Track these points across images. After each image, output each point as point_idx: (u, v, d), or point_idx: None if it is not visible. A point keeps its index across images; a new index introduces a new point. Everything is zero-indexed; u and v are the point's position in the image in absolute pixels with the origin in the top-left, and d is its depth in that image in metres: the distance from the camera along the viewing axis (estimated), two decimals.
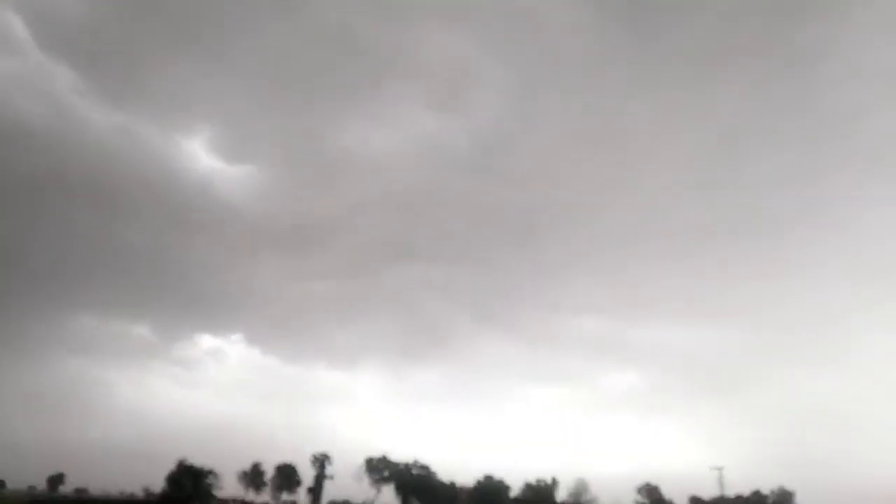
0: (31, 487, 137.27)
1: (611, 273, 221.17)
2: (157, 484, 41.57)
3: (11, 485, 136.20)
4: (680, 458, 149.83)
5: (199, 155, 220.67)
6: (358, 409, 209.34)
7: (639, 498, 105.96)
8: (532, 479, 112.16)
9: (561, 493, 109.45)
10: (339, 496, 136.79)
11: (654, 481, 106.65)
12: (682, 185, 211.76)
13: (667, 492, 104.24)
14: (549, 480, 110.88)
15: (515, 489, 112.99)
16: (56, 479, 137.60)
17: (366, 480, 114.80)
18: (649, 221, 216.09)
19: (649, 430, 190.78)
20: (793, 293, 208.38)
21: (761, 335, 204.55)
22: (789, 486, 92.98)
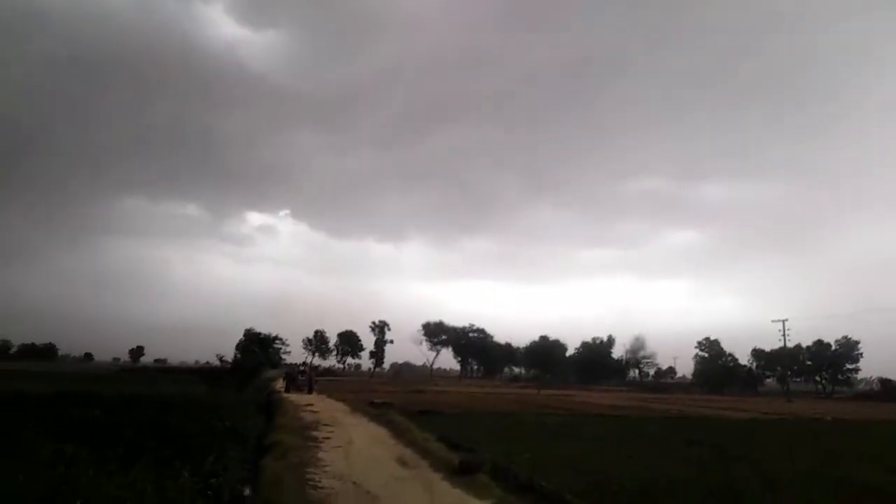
0: (116, 359, 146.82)
1: (668, 130, 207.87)
2: (229, 354, 40.60)
3: (98, 357, 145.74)
4: (741, 315, 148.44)
5: (221, 20, 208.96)
6: (409, 280, 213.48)
7: (699, 352, 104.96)
8: (588, 338, 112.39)
9: (617, 351, 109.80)
10: (400, 358, 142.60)
11: (714, 336, 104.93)
12: (741, 32, 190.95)
13: (728, 346, 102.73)
14: (604, 339, 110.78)
15: (571, 349, 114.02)
16: (137, 352, 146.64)
17: (424, 344, 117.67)
18: (707, 73, 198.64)
19: (709, 289, 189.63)
20: (862, 144, 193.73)
21: (827, 188, 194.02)
22: (854, 336, 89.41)
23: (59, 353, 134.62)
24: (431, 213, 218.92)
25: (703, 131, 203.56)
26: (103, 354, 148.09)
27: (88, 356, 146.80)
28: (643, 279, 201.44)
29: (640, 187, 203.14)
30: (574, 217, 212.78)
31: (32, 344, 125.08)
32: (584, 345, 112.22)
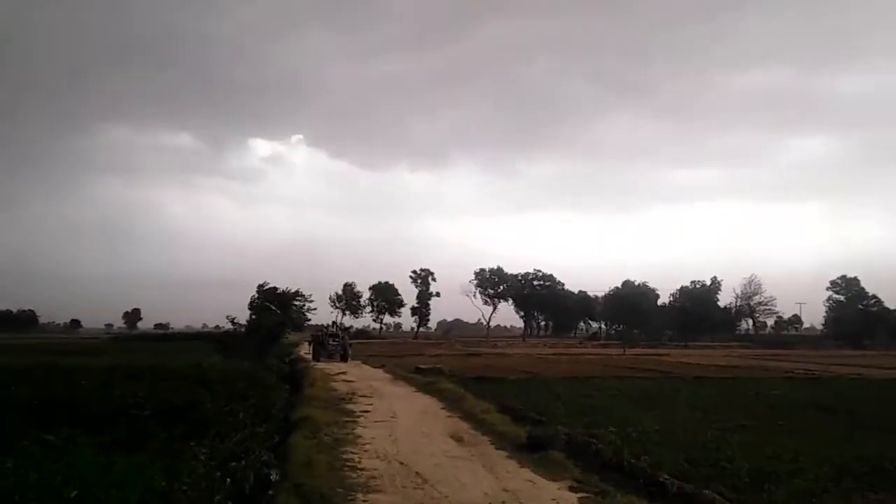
0: (108, 326, 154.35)
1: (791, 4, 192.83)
2: (242, 315, 41.90)
3: (87, 324, 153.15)
4: (888, 246, 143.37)
5: None
6: (455, 217, 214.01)
7: (832, 294, 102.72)
8: (686, 283, 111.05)
9: (725, 297, 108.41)
10: (449, 314, 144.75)
11: (852, 274, 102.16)
12: None
13: (871, 286, 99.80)
14: (707, 282, 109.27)
15: (664, 297, 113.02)
16: (133, 316, 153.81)
17: (477, 296, 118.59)
18: None
19: (846, 213, 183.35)
20: None
21: None
22: None
23: (41, 320, 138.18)
24: (480, 131, 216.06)
25: (842, 3, 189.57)
26: (93, 321, 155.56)
27: (75, 323, 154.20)
28: (756, 204, 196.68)
29: (752, 83, 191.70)
30: (664, 128, 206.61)
31: (8, 312, 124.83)
32: (682, 291, 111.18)
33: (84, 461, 7.43)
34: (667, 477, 8.43)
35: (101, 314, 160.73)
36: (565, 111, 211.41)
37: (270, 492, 8.15)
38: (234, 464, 8.39)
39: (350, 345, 38.52)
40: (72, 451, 8.03)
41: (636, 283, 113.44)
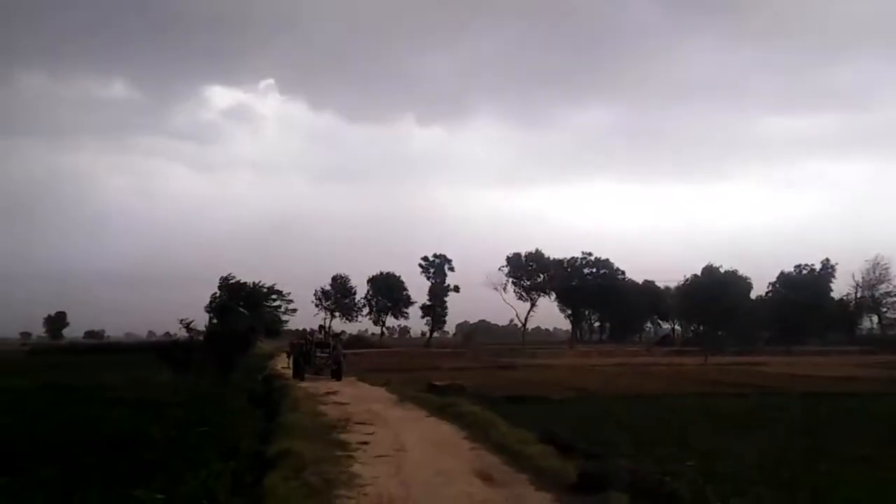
0: (25, 335, 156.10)
1: None
2: (200, 318, 42.09)
3: None
4: None
5: None
6: (476, 184, 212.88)
7: None
8: (788, 268, 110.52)
9: (841, 286, 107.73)
10: (472, 314, 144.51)
11: None
12: None
13: None
14: (816, 267, 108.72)
15: (760, 286, 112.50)
16: (57, 322, 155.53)
17: (509, 289, 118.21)
18: None
19: None
20: None
21: None
22: None
23: None
24: (508, 67, 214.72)
25: None
26: (4, 329, 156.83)
27: None
28: (885, 164, 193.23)
29: None
30: (761, 60, 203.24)
31: None
32: (782, 279, 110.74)
33: None
34: None
35: (14, 320, 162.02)
36: (619, 38, 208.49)
37: None
38: None
39: (344, 356, 38.45)
40: None
41: (721, 270, 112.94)
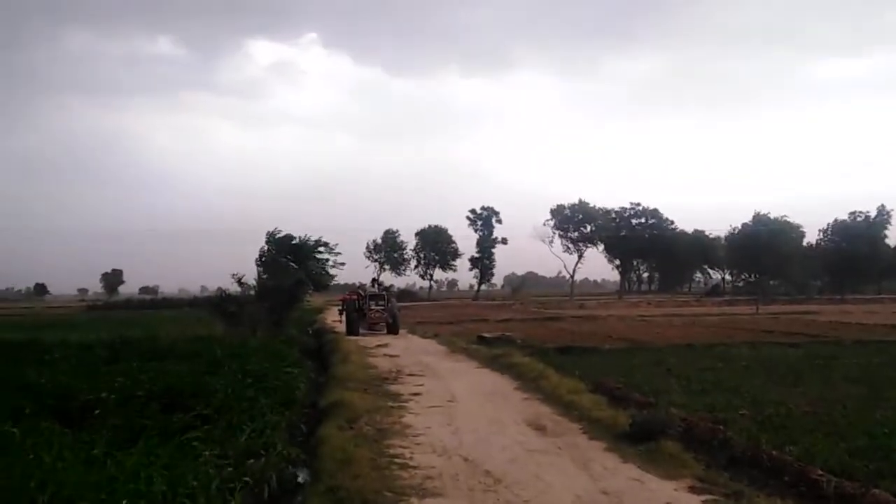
0: (82, 291, 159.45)
1: None
2: (250, 272, 42.49)
3: (55, 290, 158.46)
4: None
5: None
6: (524, 136, 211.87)
7: None
8: (841, 215, 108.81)
9: None
10: (520, 266, 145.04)
11: None
12: None
13: None
14: (871, 214, 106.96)
15: (812, 234, 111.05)
16: (113, 279, 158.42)
17: (556, 241, 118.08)
18: None
19: None
20: None
21: None
22: None
23: None
24: (554, 16, 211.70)
25: None
26: (63, 286, 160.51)
27: (40, 289, 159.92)
28: None
29: None
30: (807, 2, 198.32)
31: None
32: (836, 226, 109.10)
33: (64, 459, 7.74)
34: (821, 473, 8.37)
35: (72, 277, 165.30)
36: None
37: (298, 497, 8.38)
38: (251, 462, 8.64)
39: (399, 309, 38.11)
40: (47, 446, 8.37)
41: (772, 218, 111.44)
